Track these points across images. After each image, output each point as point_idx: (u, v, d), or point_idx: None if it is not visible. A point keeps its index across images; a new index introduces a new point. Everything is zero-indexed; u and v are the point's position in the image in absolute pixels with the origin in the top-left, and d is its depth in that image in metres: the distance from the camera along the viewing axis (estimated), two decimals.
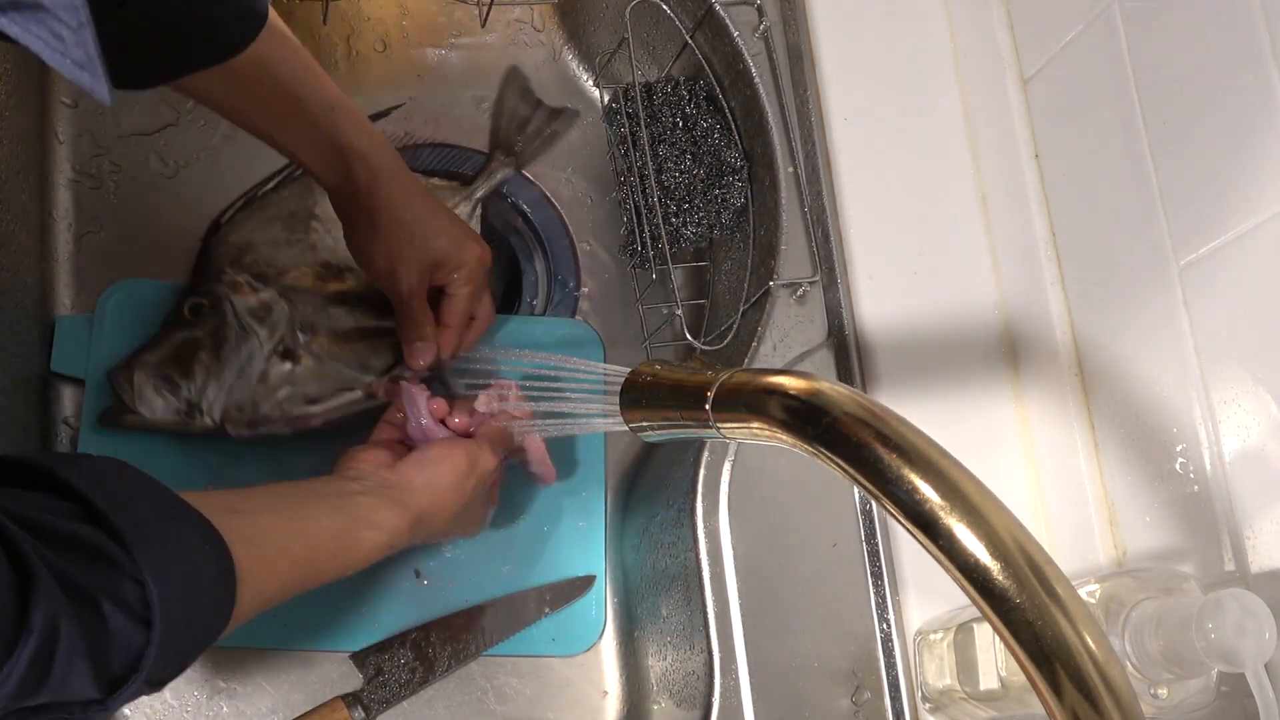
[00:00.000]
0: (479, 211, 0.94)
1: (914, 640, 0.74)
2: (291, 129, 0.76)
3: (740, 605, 0.77)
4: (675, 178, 0.89)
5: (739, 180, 0.89)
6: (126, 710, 0.84)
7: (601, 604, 0.91)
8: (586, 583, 0.91)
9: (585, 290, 0.99)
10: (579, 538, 0.92)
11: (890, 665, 0.74)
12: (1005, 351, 0.80)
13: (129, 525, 0.49)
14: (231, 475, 0.87)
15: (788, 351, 0.82)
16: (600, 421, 0.74)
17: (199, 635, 0.53)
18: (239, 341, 0.84)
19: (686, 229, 0.89)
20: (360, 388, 0.87)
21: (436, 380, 0.87)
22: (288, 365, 0.86)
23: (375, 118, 0.97)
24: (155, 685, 0.52)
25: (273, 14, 0.70)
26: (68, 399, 0.88)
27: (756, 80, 0.85)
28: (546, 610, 0.89)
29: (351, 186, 0.78)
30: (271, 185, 0.92)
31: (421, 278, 0.82)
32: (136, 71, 0.67)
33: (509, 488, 0.90)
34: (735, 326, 0.86)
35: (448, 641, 0.87)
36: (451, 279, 0.83)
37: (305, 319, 0.87)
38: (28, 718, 0.47)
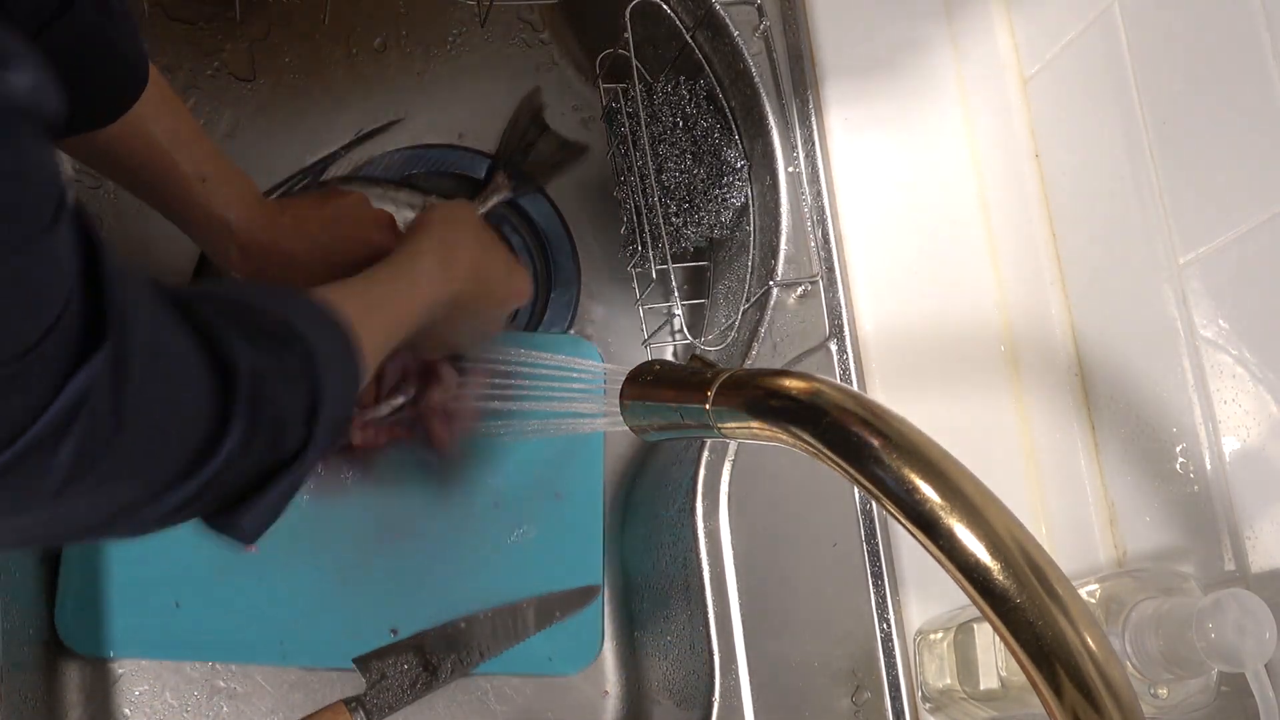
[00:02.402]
0: None
1: (914, 640, 0.74)
2: (165, 197, 0.74)
3: (740, 605, 0.77)
4: (675, 178, 0.89)
5: (739, 180, 0.89)
6: (127, 710, 0.84)
7: (599, 622, 0.91)
8: (590, 593, 0.91)
9: (585, 289, 0.99)
10: (578, 549, 0.92)
11: (890, 665, 0.74)
12: (1005, 351, 0.80)
13: (286, 310, 0.57)
14: None
15: (788, 351, 0.82)
16: (600, 421, 0.74)
17: (349, 384, 0.61)
18: None
19: (686, 229, 0.89)
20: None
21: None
22: None
23: (373, 133, 0.97)
24: (342, 424, 0.59)
25: (154, 73, 0.68)
26: None
27: (756, 80, 0.85)
28: (555, 618, 0.89)
29: (226, 263, 0.77)
30: (274, 195, 0.92)
31: None
32: None
33: (507, 497, 0.90)
34: (735, 326, 0.86)
35: (450, 650, 0.87)
36: None
37: None
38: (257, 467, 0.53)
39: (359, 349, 0.62)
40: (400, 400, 0.85)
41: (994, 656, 0.67)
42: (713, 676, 0.76)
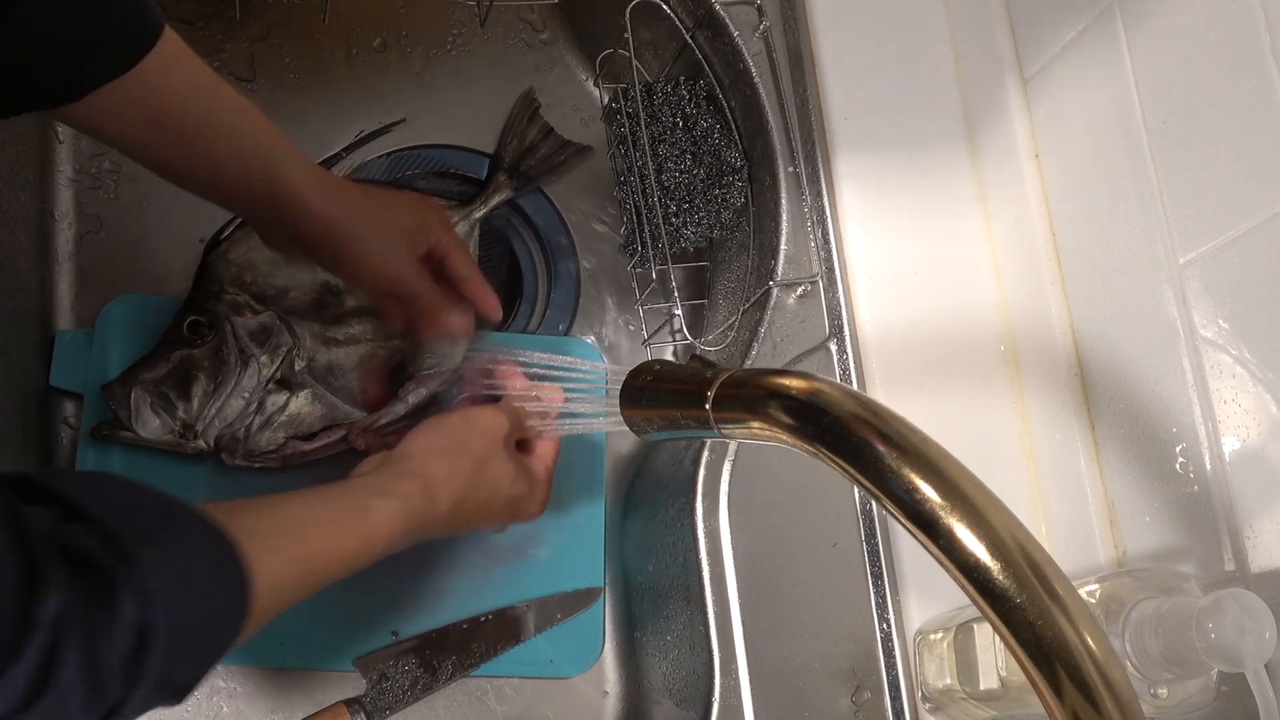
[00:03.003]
0: (477, 231, 0.94)
1: (914, 640, 0.74)
2: (196, 149, 0.67)
3: (740, 605, 0.77)
4: (675, 178, 0.89)
5: (739, 180, 0.89)
6: None
7: (600, 625, 0.91)
8: (591, 595, 0.91)
9: (585, 290, 0.99)
10: (580, 551, 0.92)
11: (890, 665, 0.74)
12: (1005, 351, 0.80)
13: (125, 530, 0.46)
14: (228, 494, 0.85)
15: (788, 351, 0.82)
16: (601, 421, 0.74)
17: (211, 640, 0.51)
18: (238, 366, 0.84)
19: (686, 229, 0.89)
20: (344, 428, 0.86)
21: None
22: (284, 396, 0.85)
23: (374, 134, 0.97)
24: (173, 695, 0.49)
25: (168, 28, 0.64)
26: (70, 403, 0.88)
27: (756, 80, 0.85)
28: (556, 620, 0.89)
29: (278, 206, 0.70)
30: None
31: (412, 260, 0.76)
32: (13, 97, 0.60)
33: None
34: (735, 326, 0.86)
35: (451, 651, 0.87)
36: (435, 242, 0.78)
37: (304, 346, 0.87)
38: None
39: (246, 602, 0.51)
40: (402, 409, 0.86)
41: (994, 656, 0.67)
42: (713, 676, 0.76)
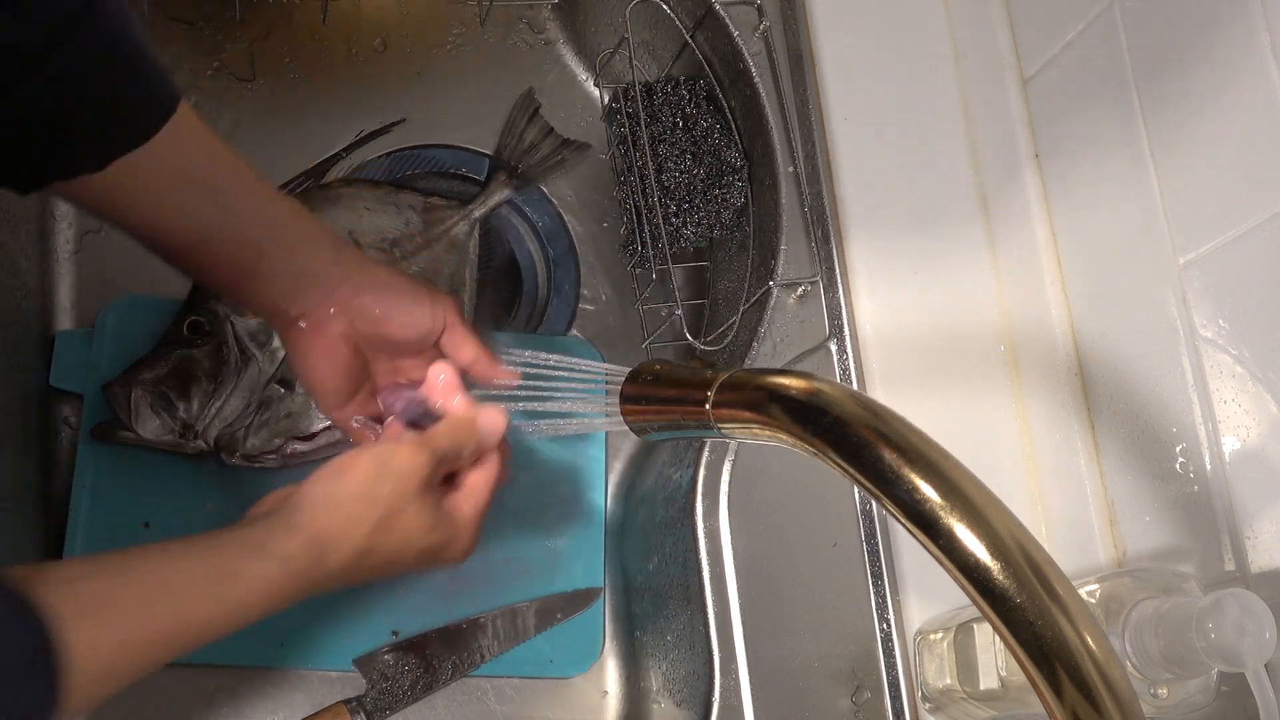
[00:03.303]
0: (477, 231, 0.94)
1: (914, 640, 0.74)
2: (211, 228, 0.65)
3: (740, 605, 0.77)
4: (675, 178, 0.89)
5: (739, 180, 0.89)
6: (127, 710, 0.84)
7: (600, 624, 0.91)
8: (591, 595, 0.91)
9: (585, 290, 0.99)
10: (580, 551, 0.92)
11: (890, 665, 0.74)
12: (1005, 351, 0.80)
13: None
14: (228, 494, 0.86)
15: (788, 351, 0.82)
16: (600, 421, 0.74)
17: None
18: (238, 366, 0.84)
19: (686, 229, 0.89)
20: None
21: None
22: (284, 393, 0.85)
23: (374, 134, 0.97)
24: None
25: (184, 104, 0.62)
26: (70, 403, 0.88)
27: (756, 80, 0.85)
28: (556, 619, 0.89)
29: (333, 249, 0.69)
30: None
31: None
32: (34, 169, 0.57)
33: (508, 499, 0.89)
34: (735, 326, 0.86)
35: (451, 651, 0.87)
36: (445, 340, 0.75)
37: None
38: None
39: (55, 694, 0.43)
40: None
41: (994, 656, 0.67)
42: (713, 676, 0.76)
